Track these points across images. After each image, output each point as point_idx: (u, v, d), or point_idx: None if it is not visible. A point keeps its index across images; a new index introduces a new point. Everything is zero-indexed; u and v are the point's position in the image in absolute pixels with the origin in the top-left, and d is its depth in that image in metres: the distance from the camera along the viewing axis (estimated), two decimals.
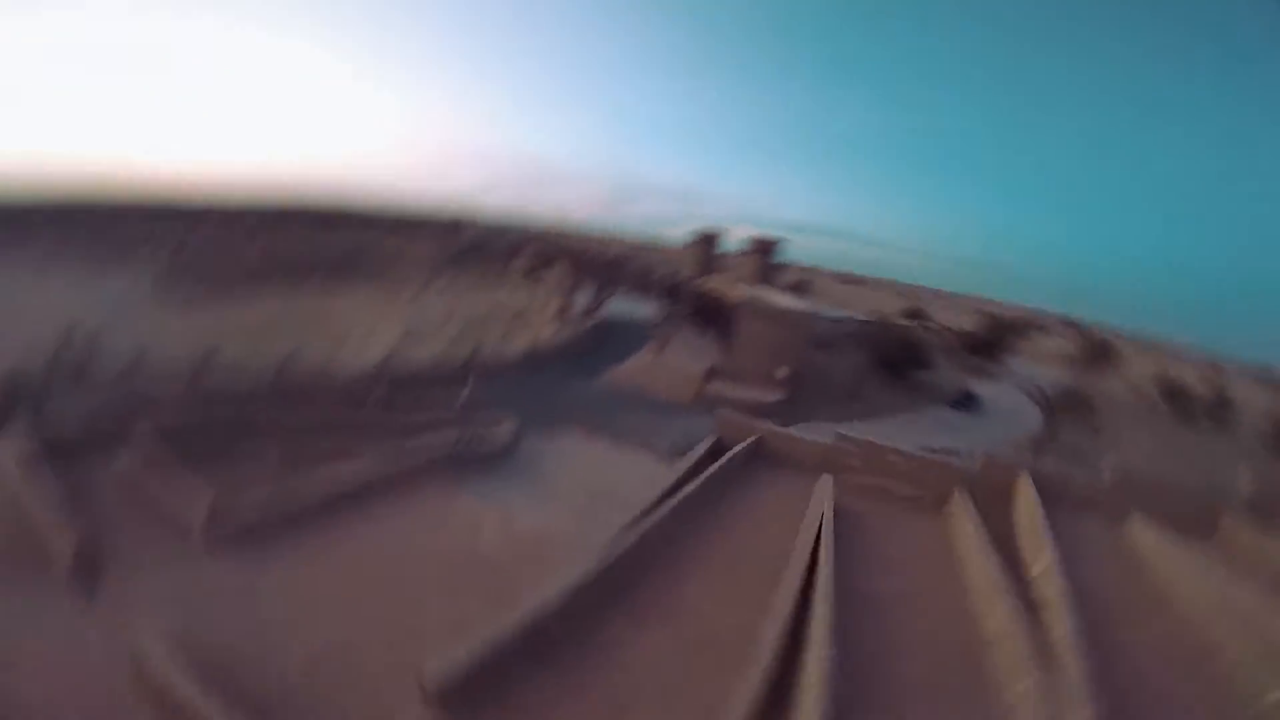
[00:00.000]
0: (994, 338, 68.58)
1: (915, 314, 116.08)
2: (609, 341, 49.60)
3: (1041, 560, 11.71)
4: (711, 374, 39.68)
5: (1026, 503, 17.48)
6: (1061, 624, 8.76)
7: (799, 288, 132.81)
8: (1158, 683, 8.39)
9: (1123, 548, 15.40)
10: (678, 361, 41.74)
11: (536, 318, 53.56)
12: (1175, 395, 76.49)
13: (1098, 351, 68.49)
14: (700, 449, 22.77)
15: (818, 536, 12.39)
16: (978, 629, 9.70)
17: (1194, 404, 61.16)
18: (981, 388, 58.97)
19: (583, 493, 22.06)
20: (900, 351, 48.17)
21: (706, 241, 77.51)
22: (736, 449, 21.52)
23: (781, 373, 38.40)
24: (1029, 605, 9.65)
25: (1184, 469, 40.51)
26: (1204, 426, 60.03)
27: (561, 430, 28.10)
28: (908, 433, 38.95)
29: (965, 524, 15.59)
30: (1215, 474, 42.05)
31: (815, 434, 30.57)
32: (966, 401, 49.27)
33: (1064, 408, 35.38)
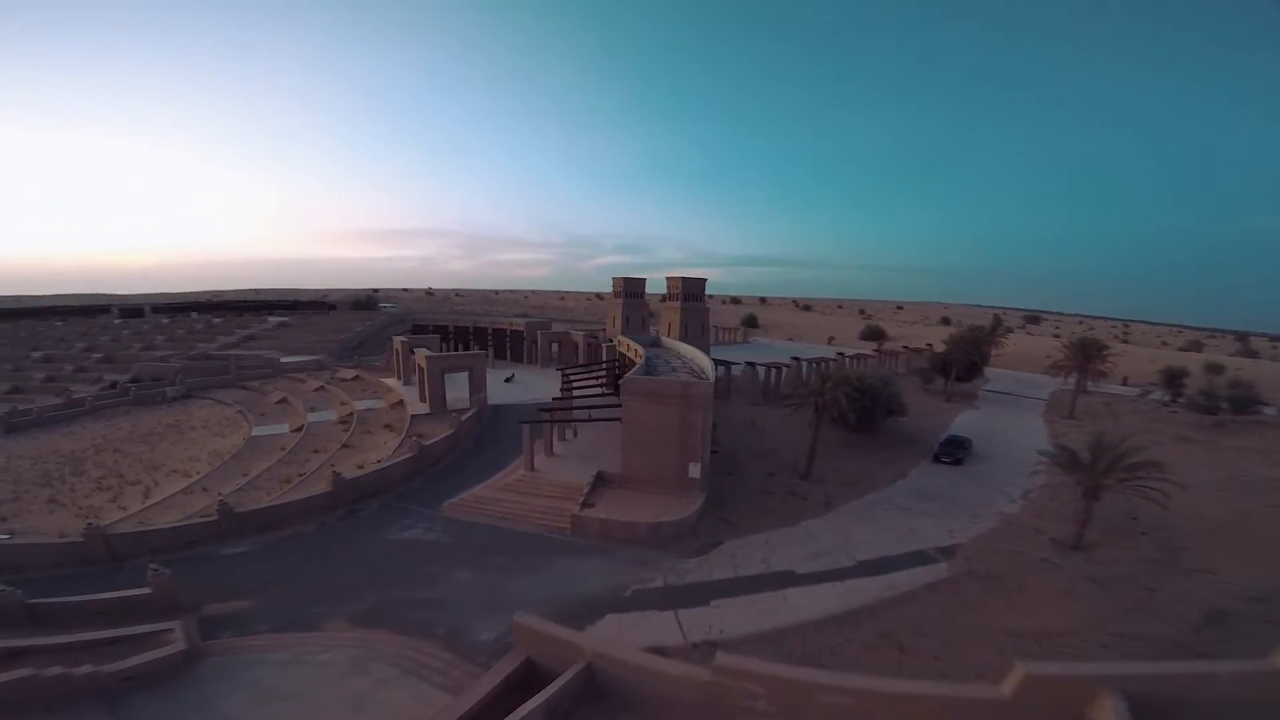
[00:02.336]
0: (969, 355, 58.58)
1: (876, 334, 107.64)
2: (490, 440, 37.90)
3: None
4: (598, 484, 28.00)
5: None
6: None
7: (750, 322, 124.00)
8: None
9: None
10: (555, 473, 30.03)
11: (392, 425, 41.58)
12: (1178, 381, 67.54)
13: (1087, 350, 59.13)
14: (489, 683, 12.41)
15: None
16: None
17: (1212, 399, 51.42)
18: (966, 420, 48.77)
19: None
20: (862, 401, 37.22)
21: (629, 290, 67.09)
22: (546, 693, 11.01)
23: (694, 470, 26.91)
24: None
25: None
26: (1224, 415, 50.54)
27: (318, 620, 18.28)
28: (885, 518, 27.83)
29: None
30: None
31: (694, 659, 18.68)
32: (954, 449, 38.53)
33: (1092, 460, 24.79)
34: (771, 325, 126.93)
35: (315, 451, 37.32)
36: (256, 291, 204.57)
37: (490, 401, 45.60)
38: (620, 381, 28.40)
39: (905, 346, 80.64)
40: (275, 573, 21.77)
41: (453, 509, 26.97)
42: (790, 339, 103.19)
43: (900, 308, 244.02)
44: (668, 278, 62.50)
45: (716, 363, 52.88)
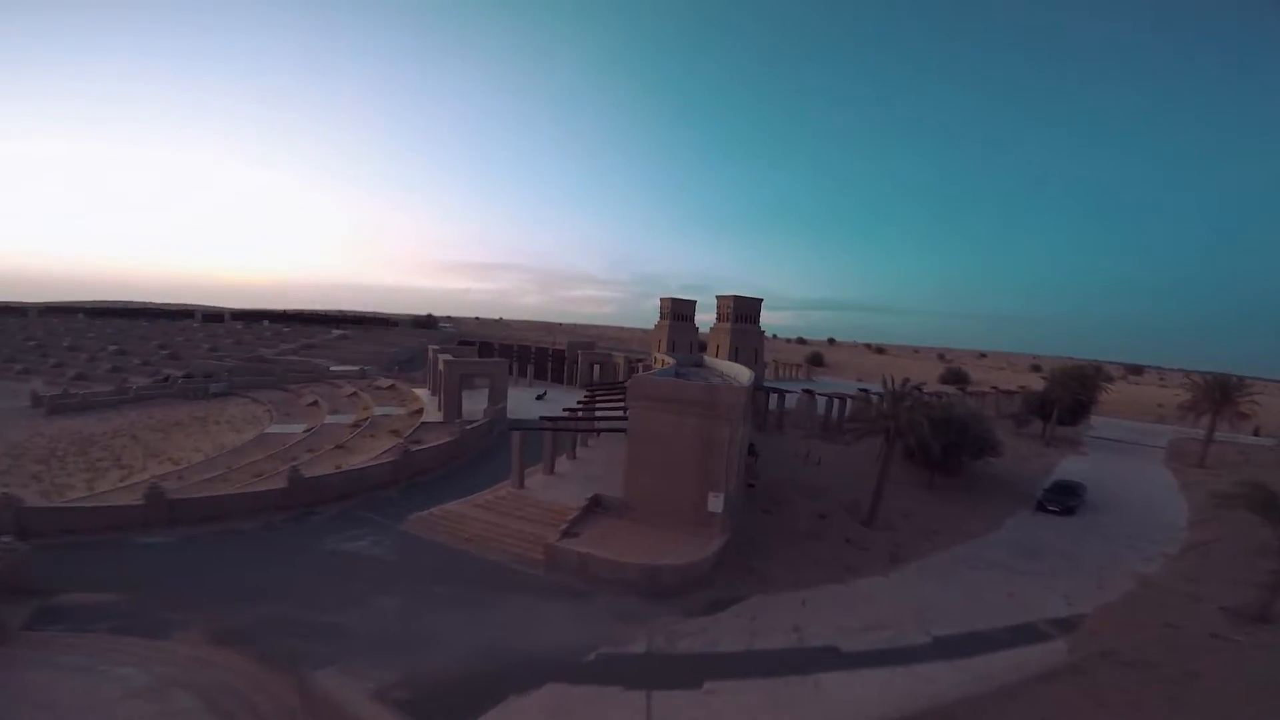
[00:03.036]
0: (1075, 394, 48.99)
1: (957, 378, 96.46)
2: (497, 453, 33.32)
3: None
4: (592, 510, 22.57)
5: None
6: None
7: (816, 360, 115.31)
8: None
9: None
10: (547, 493, 24.86)
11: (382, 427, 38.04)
12: None
13: (1226, 389, 47.97)
14: None
15: None
16: None
17: None
18: (1073, 467, 39.61)
19: None
20: (947, 434, 29.75)
21: (677, 312, 62.17)
22: None
23: (715, 503, 20.96)
24: None
25: None
26: None
27: (174, 627, 14.15)
28: (973, 579, 20.59)
29: None
30: None
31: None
32: (1063, 496, 30.43)
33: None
34: (839, 365, 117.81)
35: (309, 451, 34.22)
36: (340, 312, 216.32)
37: (513, 415, 41.57)
38: (628, 383, 23.22)
39: (994, 388, 70.51)
40: (175, 568, 18.06)
41: (417, 524, 22.35)
42: (859, 379, 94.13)
43: (983, 355, 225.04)
44: (718, 297, 57.18)
45: (769, 390, 46.60)
